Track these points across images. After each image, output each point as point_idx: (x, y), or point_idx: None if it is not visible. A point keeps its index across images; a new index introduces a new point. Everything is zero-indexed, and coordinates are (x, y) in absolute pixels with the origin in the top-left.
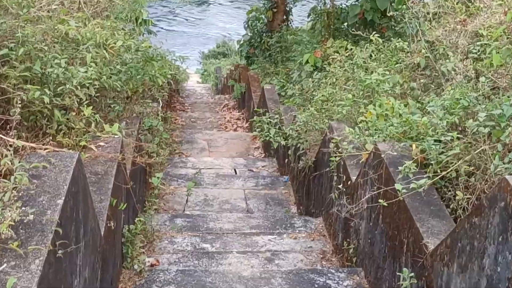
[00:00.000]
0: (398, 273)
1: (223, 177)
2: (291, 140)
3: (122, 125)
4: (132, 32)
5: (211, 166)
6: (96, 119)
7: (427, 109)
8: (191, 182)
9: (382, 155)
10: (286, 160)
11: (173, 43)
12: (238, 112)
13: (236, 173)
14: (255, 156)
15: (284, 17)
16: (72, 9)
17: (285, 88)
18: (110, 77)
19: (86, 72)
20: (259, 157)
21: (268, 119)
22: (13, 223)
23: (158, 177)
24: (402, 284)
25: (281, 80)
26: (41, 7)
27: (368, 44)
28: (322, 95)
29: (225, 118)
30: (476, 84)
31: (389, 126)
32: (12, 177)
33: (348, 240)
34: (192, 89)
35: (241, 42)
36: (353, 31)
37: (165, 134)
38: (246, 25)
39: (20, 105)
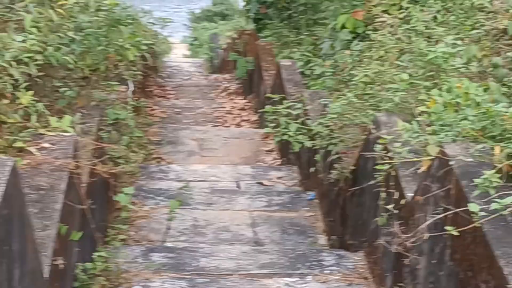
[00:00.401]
0: None
1: (221, 194)
2: (319, 140)
3: (76, 117)
4: None
5: (203, 178)
6: (38, 110)
7: None
8: (174, 201)
9: (451, 162)
10: (312, 169)
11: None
12: (243, 99)
13: (239, 187)
14: (267, 163)
15: None
16: None
17: (311, 64)
18: (59, 48)
19: (23, 41)
20: (273, 165)
21: (287, 110)
22: None
23: (126, 194)
24: None
25: (305, 53)
26: None
27: (432, 1)
28: (365, 75)
29: (224, 108)
30: None
31: (461, 120)
32: None
33: (400, 284)
34: (177, 66)
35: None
36: None
37: (137, 131)
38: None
39: None
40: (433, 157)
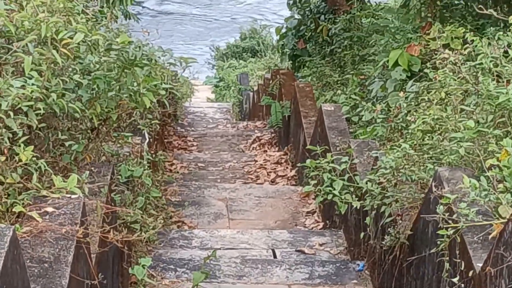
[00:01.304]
0: None
1: (254, 264)
2: (370, 200)
3: (84, 176)
4: (100, 16)
5: (232, 245)
6: (39, 168)
7: None
8: (198, 273)
9: None
10: (362, 234)
11: (169, 34)
12: (278, 151)
13: (275, 256)
14: (307, 227)
15: None
16: None
17: (358, 109)
18: (63, 95)
19: (23, 87)
20: (314, 229)
21: (331, 164)
22: None
23: (143, 265)
24: None
25: (351, 96)
26: None
27: (501, 32)
28: (423, 122)
29: (256, 161)
30: None
31: None
32: None
33: None
34: (200, 112)
35: (283, 30)
36: (478, 8)
37: (155, 190)
38: (292, 2)
39: None
40: (506, 220)
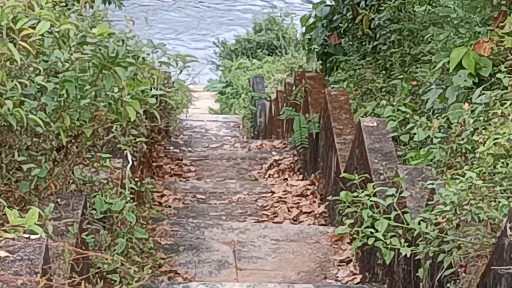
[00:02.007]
0: None
1: None
2: (424, 246)
3: (47, 210)
4: (71, 1)
5: None
6: None
7: None
8: None
9: None
10: None
11: (161, 24)
12: (303, 179)
13: None
14: (341, 281)
15: None
16: None
17: (409, 125)
18: (22, 103)
19: None
20: (350, 283)
21: (372, 198)
22: None
23: None
24: None
25: (400, 109)
26: None
27: None
28: (495, 143)
29: (272, 193)
30: None
31: None
32: None
33: None
34: (200, 127)
35: (311, 20)
36: None
37: (139, 230)
38: None
39: None
40: None
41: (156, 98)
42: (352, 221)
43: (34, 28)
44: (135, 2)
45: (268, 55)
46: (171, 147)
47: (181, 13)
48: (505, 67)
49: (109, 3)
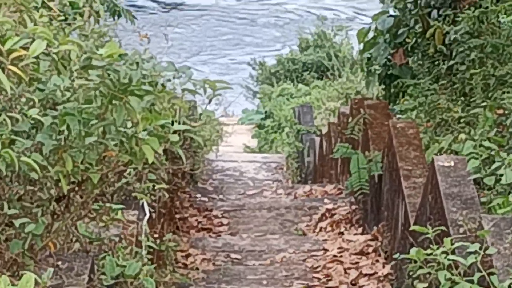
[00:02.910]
0: None
1: None
2: None
3: (46, 276)
4: (72, 13)
5: None
6: None
7: None
8: None
9: None
10: None
11: (187, 44)
12: (362, 233)
13: None
14: None
15: None
16: None
17: (494, 165)
18: (13, 142)
19: None
20: None
21: (450, 256)
22: None
23: None
24: None
25: (483, 144)
26: None
27: None
28: None
29: (325, 251)
30: None
31: None
32: None
33: None
34: (234, 169)
35: (370, 35)
36: None
37: None
38: None
39: None
40: None
41: (179, 135)
42: (425, 285)
43: (27, 49)
44: (146, 15)
45: (318, 78)
46: (198, 195)
47: (206, 26)
48: None
49: (119, 16)
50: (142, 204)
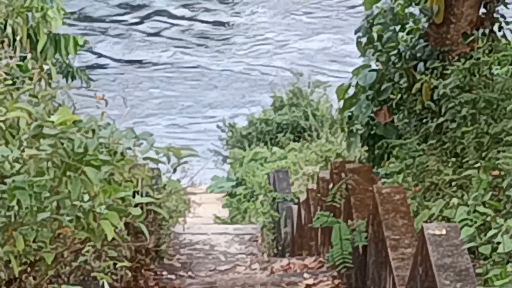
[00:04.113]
0: None
1: None
2: None
3: None
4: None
5: None
6: None
7: None
8: None
9: None
10: None
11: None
12: None
13: None
14: None
15: (483, 10)
16: None
17: (490, 232)
18: None
19: None
20: None
21: None
22: None
23: None
24: None
25: (477, 209)
26: None
27: None
28: None
29: None
30: None
31: None
32: None
33: None
34: (203, 242)
35: (351, 91)
36: None
37: None
38: (365, 40)
39: None
40: None
41: (142, 208)
42: None
43: None
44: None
45: (294, 140)
46: (165, 272)
47: (169, 85)
48: None
49: (73, 78)
50: (102, 284)
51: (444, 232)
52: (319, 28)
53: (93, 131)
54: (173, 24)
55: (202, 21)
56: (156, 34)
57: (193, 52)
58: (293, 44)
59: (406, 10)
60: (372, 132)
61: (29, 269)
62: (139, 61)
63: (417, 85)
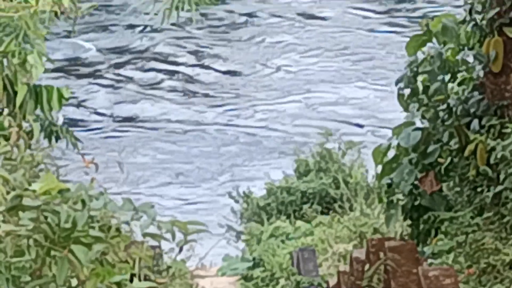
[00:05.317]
0: None
1: None
2: None
3: None
4: None
5: None
6: None
7: None
8: None
9: None
10: None
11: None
12: None
13: None
14: None
15: None
16: None
17: None
18: None
19: None
20: None
21: None
22: None
23: None
24: None
25: None
26: None
27: None
28: None
29: None
30: None
31: None
32: None
33: None
34: None
35: (389, 155)
36: None
37: None
38: (408, 91)
39: None
40: None
41: None
42: None
43: None
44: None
45: (322, 212)
46: None
47: (171, 146)
48: None
49: (57, 139)
50: None
51: None
52: (352, 78)
53: (83, 202)
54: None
55: (215, 70)
56: (154, 85)
57: (200, 108)
58: (320, 96)
59: (458, 56)
60: (416, 203)
61: None
62: (134, 118)
63: (471, 147)
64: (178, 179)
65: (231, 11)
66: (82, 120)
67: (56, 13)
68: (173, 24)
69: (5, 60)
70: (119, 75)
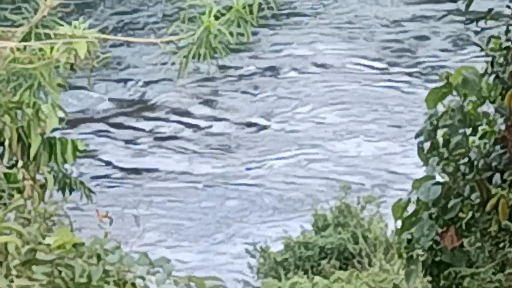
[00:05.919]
0: None
1: None
2: None
3: None
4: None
5: None
6: None
7: None
8: None
9: None
10: None
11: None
12: None
13: None
14: None
15: None
16: None
17: None
18: None
19: None
20: None
21: None
22: None
23: None
24: None
25: None
26: None
27: None
28: None
29: None
30: None
31: None
32: None
33: None
34: None
35: (409, 210)
36: None
37: None
38: (428, 145)
39: None
40: None
41: None
42: None
43: None
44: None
45: (341, 268)
46: None
47: (186, 197)
48: None
49: (71, 191)
50: None
51: None
52: (374, 135)
53: (98, 256)
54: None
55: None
56: (171, 138)
57: (212, 161)
58: (338, 148)
59: (479, 110)
60: (437, 259)
61: None
62: (149, 170)
63: (493, 201)
64: (195, 233)
65: (222, 66)
66: (97, 176)
67: (72, 65)
68: None
69: (18, 112)
70: (129, 127)
